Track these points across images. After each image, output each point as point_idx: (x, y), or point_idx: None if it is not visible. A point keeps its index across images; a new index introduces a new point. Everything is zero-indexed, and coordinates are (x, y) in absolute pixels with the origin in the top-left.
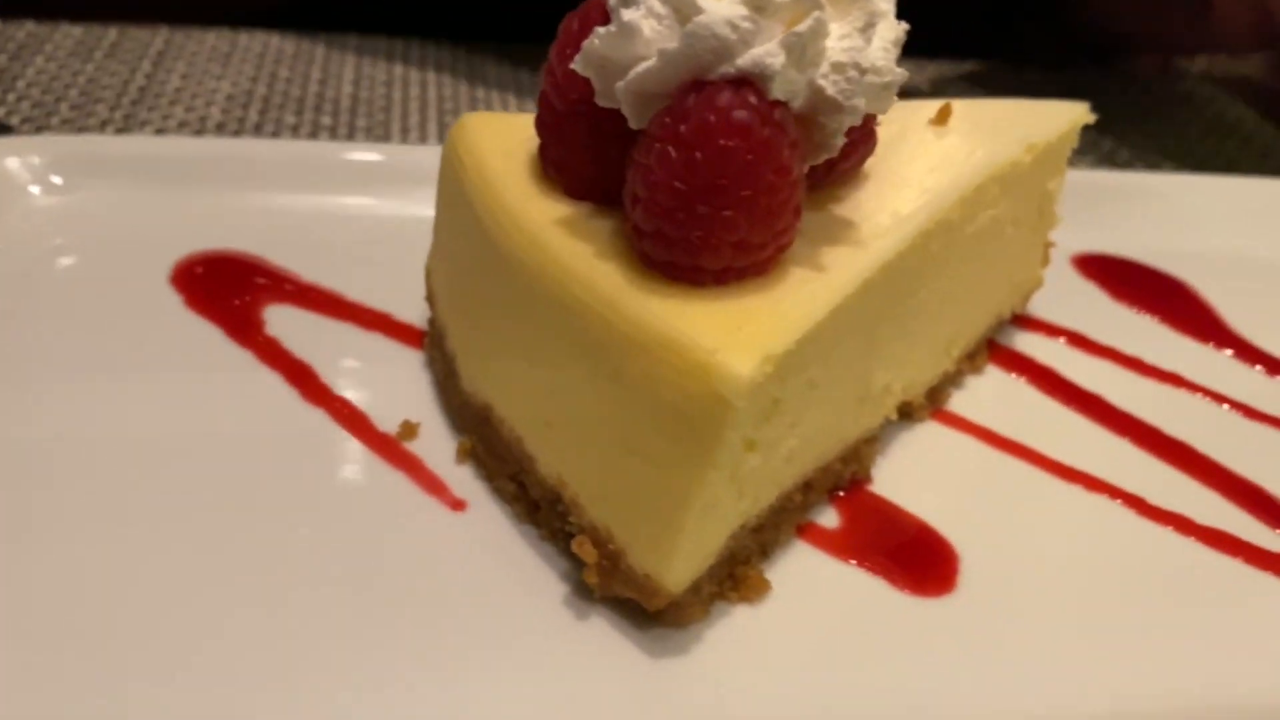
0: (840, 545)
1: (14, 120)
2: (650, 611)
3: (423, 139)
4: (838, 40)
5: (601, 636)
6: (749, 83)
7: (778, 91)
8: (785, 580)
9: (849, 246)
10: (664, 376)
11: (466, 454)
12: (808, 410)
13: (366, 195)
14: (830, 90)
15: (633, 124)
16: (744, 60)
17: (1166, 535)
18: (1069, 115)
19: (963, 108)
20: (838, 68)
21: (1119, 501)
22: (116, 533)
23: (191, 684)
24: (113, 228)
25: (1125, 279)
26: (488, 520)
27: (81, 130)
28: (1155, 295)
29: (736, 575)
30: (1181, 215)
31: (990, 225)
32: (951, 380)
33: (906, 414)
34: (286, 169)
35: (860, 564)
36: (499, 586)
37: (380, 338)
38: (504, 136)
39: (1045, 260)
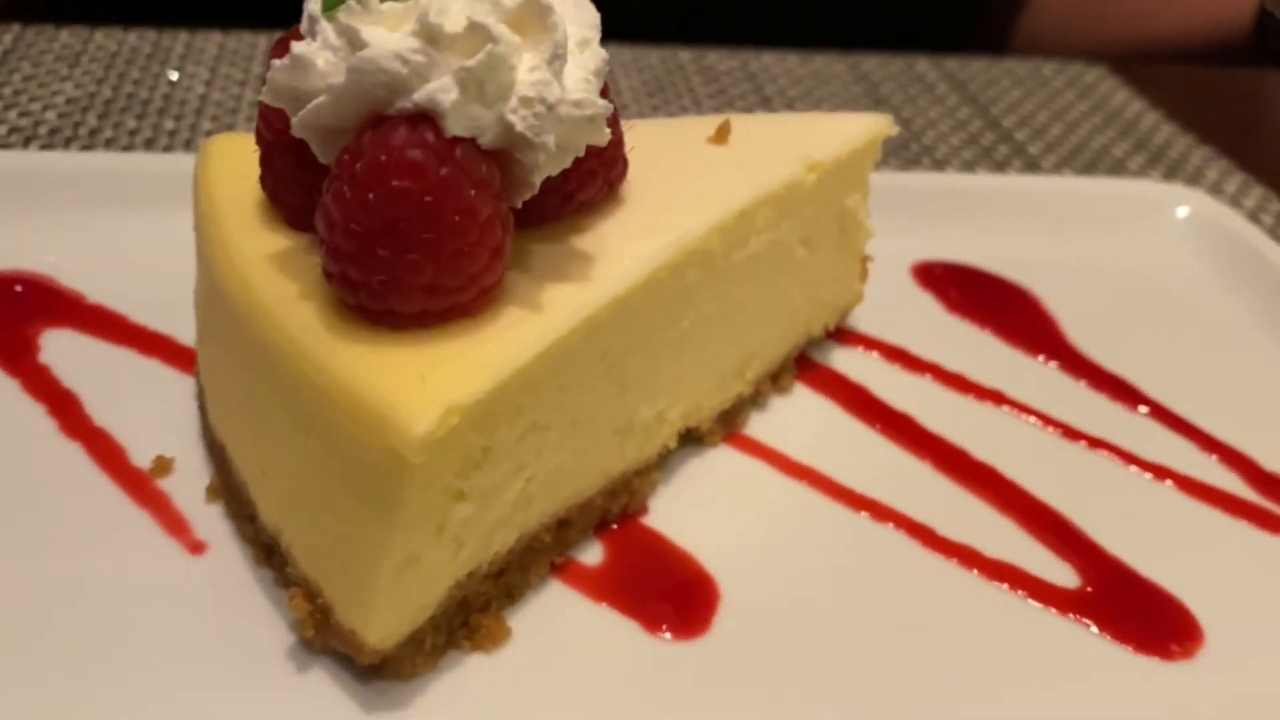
0: (597, 585)
1: None
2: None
3: None
4: (528, 73)
5: (320, 689)
6: (428, 118)
7: (456, 128)
8: (529, 626)
9: (576, 283)
10: (347, 429)
11: (215, 494)
12: (539, 453)
13: (164, 209)
14: (519, 126)
15: (321, 159)
16: (419, 95)
17: (949, 569)
18: (868, 128)
19: (746, 124)
20: (525, 102)
21: (904, 532)
22: None
23: None
24: None
25: (966, 289)
26: (226, 563)
27: None
28: (994, 306)
29: (472, 623)
30: (1039, 219)
31: (769, 248)
32: (750, 402)
33: (696, 439)
34: (87, 182)
35: (614, 605)
36: (222, 635)
37: (157, 364)
38: (247, 159)
39: (863, 275)
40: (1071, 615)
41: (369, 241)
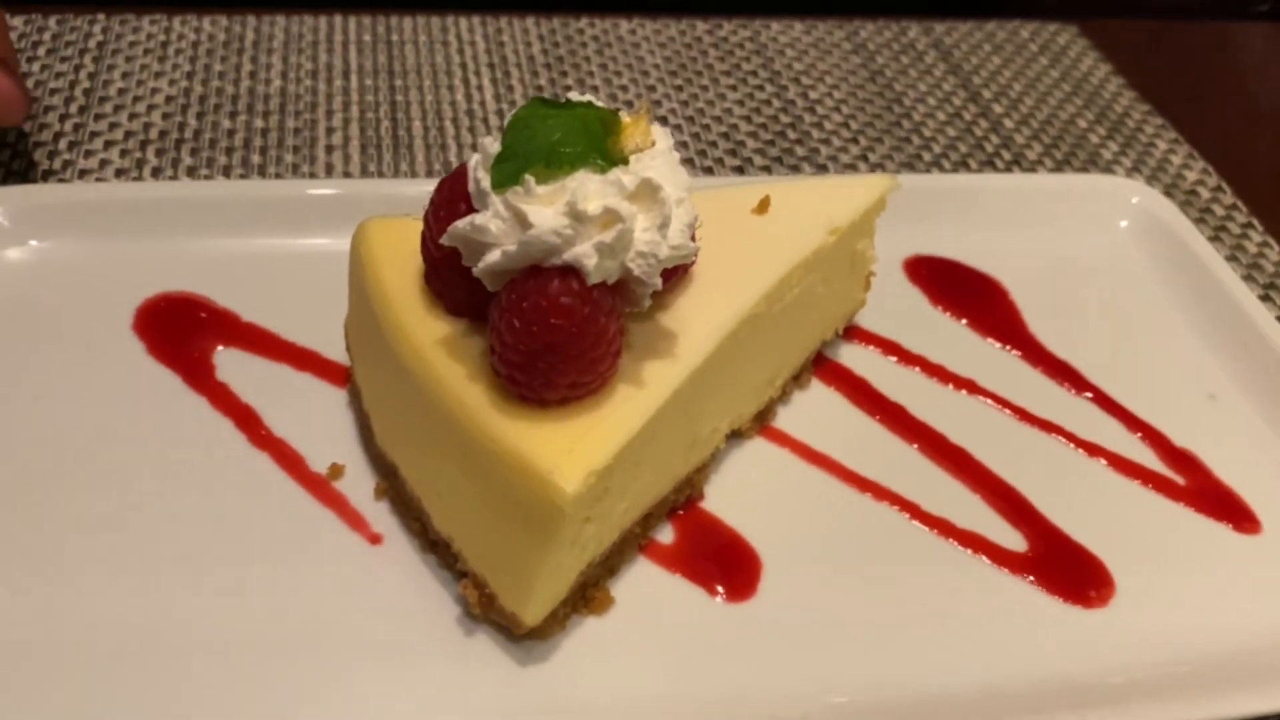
0: (671, 559)
1: None
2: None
3: (344, 142)
4: (641, 233)
5: (483, 647)
6: (573, 270)
7: (595, 278)
8: (626, 594)
9: (665, 359)
10: (515, 483)
11: (382, 493)
12: (637, 479)
13: (294, 234)
14: (636, 271)
15: (489, 288)
16: (567, 255)
17: (930, 538)
18: (875, 189)
19: (780, 195)
20: (641, 255)
21: (897, 508)
22: (73, 569)
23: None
24: (75, 277)
25: (946, 282)
26: (399, 551)
27: (37, 143)
28: (969, 299)
29: (587, 595)
30: (1007, 213)
31: (799, 297)
32: (778, 400)
33: (737, 435)
34: (226, 210)
35: (685, 575)
36: (407, 610)
37: (310, 378)
38: (398, 244)
39: (866, 287)
40: (1019, 575)
41: (532, 357)
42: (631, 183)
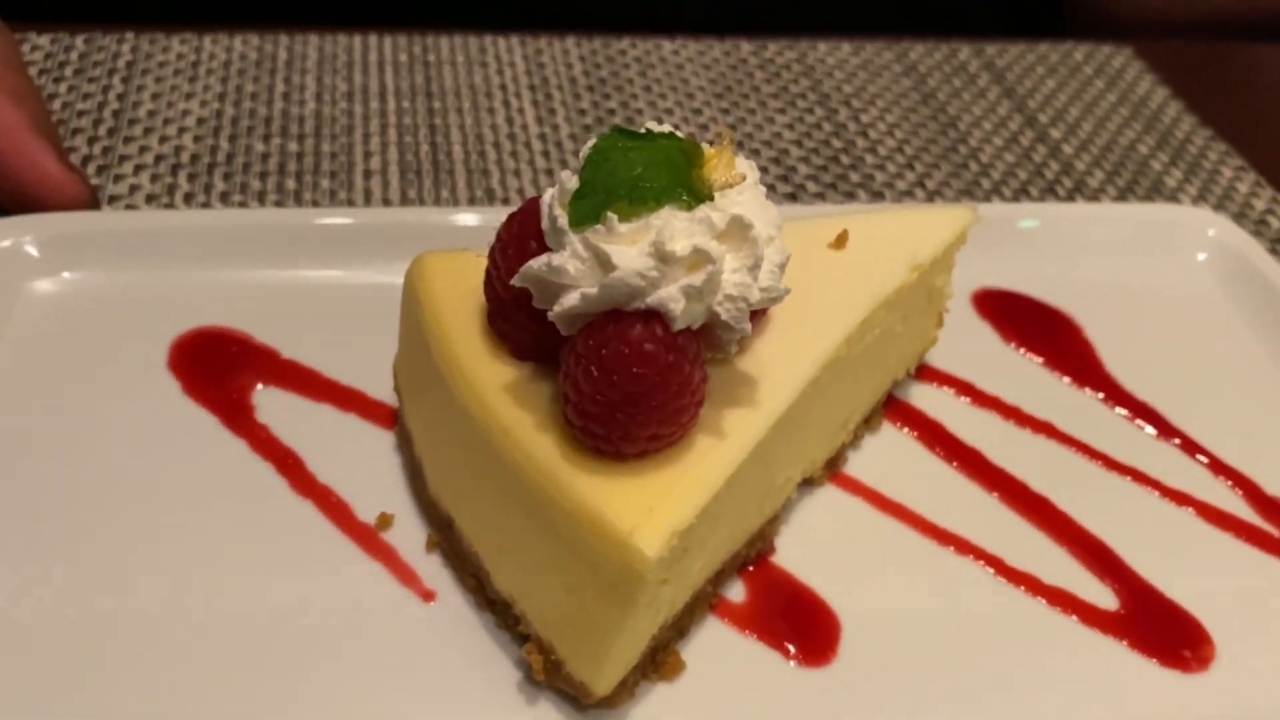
0: (743, 619)
1: None
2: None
3: (383, 167)
4: (730, 274)
5: (547, 716)
6: (656, 315)
7: (680, 323)
8: (697, 657)
9: (746, 408)
10: (590, 544)
11: (434, 546)
12: (715, 534)
13: (336, 266)
14: (724, 316)
15: (564, 332)
16: (652, 299)
17: (1018, 596)
18: (956, 222)
19: (857, 228)
20: (730, 299)
21: (981, 563)
22: (112, 627)
23: None
24: (108, 311)
25: (1016, 317)
26: (454, 609)
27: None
28: (1042, 334)
29: (658, 660)
30: (1075, 244)
31: (879, 338)
32: (849, 445)
33: (807, 482)
34: (266, 240)
35: (759, 636)
36: (463, 673)
37: (355, 419)
38: (457, 280)
39: (939, 324)
40: (1111, 635)
41: (610, 408)
42: (721, 220)
